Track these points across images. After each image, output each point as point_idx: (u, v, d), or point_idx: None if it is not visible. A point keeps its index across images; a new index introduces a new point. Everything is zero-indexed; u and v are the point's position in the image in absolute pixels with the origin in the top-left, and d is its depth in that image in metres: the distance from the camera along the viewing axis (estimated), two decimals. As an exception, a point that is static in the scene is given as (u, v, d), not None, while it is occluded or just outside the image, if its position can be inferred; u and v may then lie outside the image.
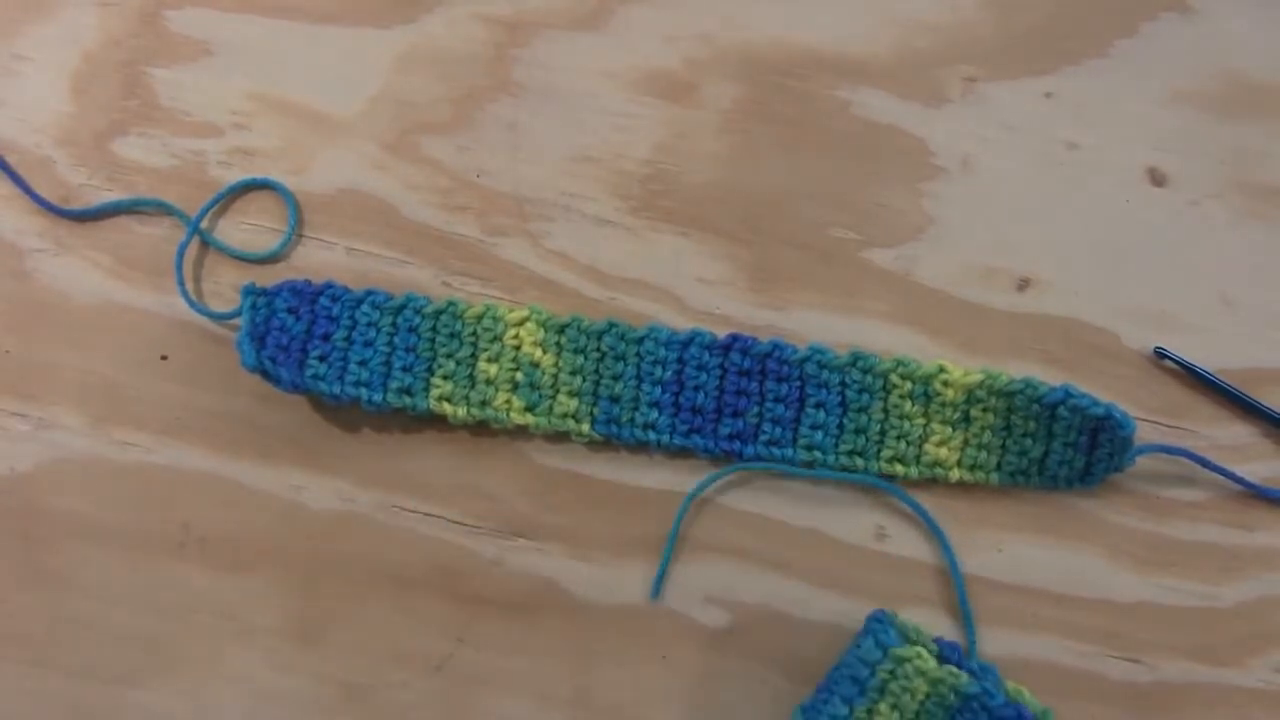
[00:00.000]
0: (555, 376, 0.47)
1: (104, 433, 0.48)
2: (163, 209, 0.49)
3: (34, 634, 0.47)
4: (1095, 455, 0.47)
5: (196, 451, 0.48)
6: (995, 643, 0.47)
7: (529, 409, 0.47)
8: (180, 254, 0.48)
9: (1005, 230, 0.50)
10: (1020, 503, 0.48)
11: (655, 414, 0.47)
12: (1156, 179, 0.51)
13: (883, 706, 0.43)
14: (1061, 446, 0.47)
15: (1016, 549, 0.47)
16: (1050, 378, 0.48)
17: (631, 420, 0.47)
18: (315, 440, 0.48)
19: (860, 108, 0.51)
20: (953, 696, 0.43)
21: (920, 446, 0.48)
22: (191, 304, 0.48)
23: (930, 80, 0.51)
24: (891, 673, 0.43)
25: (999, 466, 0.47)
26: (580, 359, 0.48)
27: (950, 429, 0.48)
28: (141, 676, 0.46)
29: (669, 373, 0.47)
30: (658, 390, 0.47)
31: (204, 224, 0.49)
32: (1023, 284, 0.49)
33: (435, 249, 0.49)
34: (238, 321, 0.47)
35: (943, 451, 0.48)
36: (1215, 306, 0.49)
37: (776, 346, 0.48)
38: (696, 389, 0.47)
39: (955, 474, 0.47)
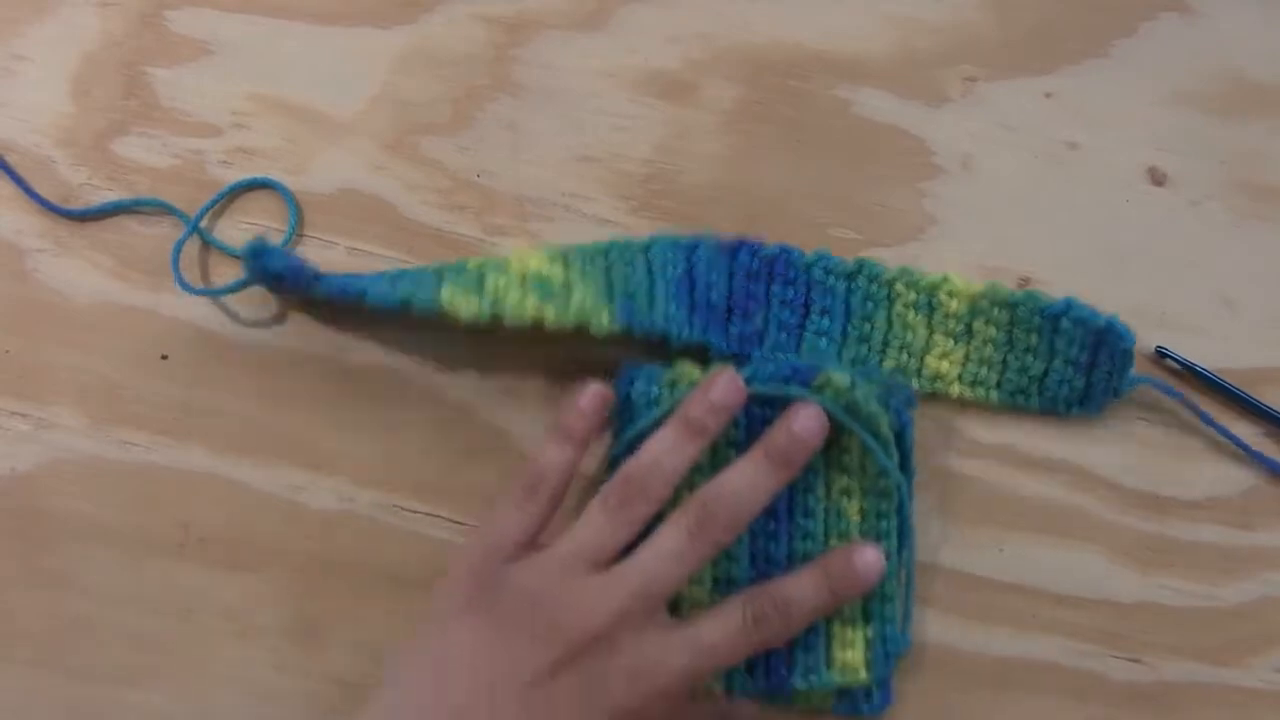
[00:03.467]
0: (568, 283, 0.45)
1: (104, 433, 0.48)
2: (163, 209, 0.49)
3: (34, 634, 0.46)
4: (1095, 375, 0.47)
5: (196, 451, 0.48)
6: (996, 643, 0.47)
7: (545, 302, 0.44)
8: (177, 248, 0.48)
9: (1005, 230, 0.50)
10: (1021, 502, 0.48)
11: (672, 306, 0.46)
12: (1156, 179, 0.51)
13: None
14: (1062, 364, 0.47)
15: (1017, 549, 0.47)
16: (1050, 377, 0.48)
17: (649, 310, 0.45)
18: (315, 440, 0.48)
19: (860, 108, 0.51)
20: None
21: (921, 359, 0.48)
22: (187, 288, 0.48)
23: (930, 80, 0.51)
24: (671, 395, 0.44)
25: (999, 384, 0.48)
26: (590, 267, 0.46)
27: (952, 341, 0.48)
28: (141, 676, 0.46)
29: (679, 270, 0.47)
30: (671, 286, 0.46)
31: (204, 224, 0.49)
32: (1023, 284, 0.49)
33: (435, 249, 0.49)
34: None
35: (944, 365, 0.48)
36: (1215, 306, 0.49)
37: (784, 250, 0.48)
38: (709, 286, 0.47)
39: (955, 389, 0.48)
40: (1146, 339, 0.49)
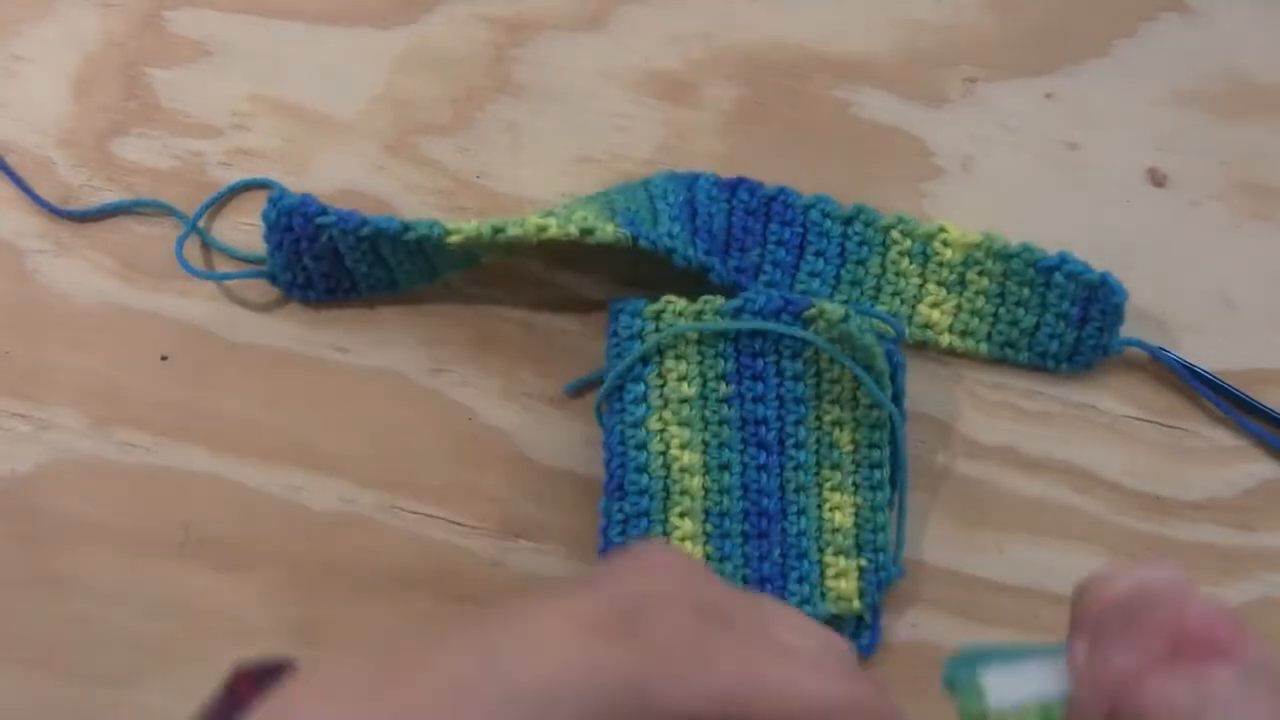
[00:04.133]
0: (568, 213, 0.45)
1: (104, 433, 0.48)
2: (163, 210, 0.49)
3: (34, 634, 0.46)
4: (1086, 330, 0.47)
5: (197, 452, 0.48)
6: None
7: (546, 216, 0.45)
8: (180, 244, 0.48)
9: (1005, 230, 0.50)
10: (1021, 503, 0.48)
11: (676, 226, 0.46)
12: (1156, 179, 0.51)
13: (668, 362, 0.44)
14: (1054, 318, 0.47)
15: (1018, 550, 0.47)
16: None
17: (654, 226, 0.45)
18: (315, 440, 0.48)
19: (860, 108, 0.51)
20: (719, 318, 0.44)
21: (914, 307, 0.48)
22: (194, 272, 0.48)
23: (930, 80, 0.51)
24: (656, 328, 0.44)
25: (990, 336, 0.48)
26: (590, 203, 0.47)
27: (945, 291, 0.48)
28: (141, 676, 0.46)
29: (680, 198, 0.47)
30: (674, 210, 0.47)
31: (204, 225, 0.49)
32: (1023, 284, 0.49)
33: (435, 249, 0.49)
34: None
35: (935, 314, 0.48)
36: (1215, 307, 0.49)
37: (782, 191, 0.48)
38: (710, 215, 0.47)
39: (945, 339, 0.48)
40: (1147, 339, 0.49)
